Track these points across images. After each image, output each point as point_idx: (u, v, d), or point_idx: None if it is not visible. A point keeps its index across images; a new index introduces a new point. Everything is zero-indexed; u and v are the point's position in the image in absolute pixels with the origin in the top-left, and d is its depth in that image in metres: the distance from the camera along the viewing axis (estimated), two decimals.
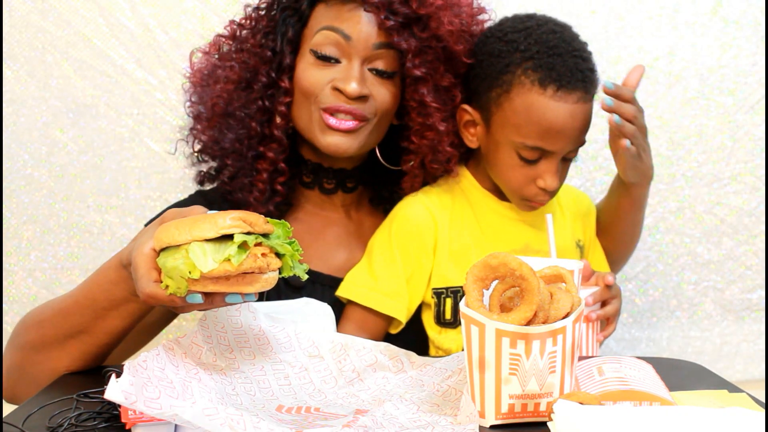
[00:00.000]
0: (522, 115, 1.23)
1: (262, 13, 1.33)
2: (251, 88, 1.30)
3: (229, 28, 1.34)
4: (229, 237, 0.89)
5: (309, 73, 1.27)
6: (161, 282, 0.91)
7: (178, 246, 0.89)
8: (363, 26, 1.25)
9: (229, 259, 0.87)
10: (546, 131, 1.22)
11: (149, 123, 1.70)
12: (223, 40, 1.35)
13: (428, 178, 1.39)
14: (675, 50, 1.76)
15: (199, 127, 1.35)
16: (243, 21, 1.34)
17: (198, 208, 0.97)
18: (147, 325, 1.27)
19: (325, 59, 1.26)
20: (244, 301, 0.94)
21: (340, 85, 1.24)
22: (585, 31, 1.31)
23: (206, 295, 0.92)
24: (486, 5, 1.37)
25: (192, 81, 1.37)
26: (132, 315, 1.06)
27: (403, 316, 1.31)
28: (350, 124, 1.26)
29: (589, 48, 1.29)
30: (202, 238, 0.88)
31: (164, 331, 1.42)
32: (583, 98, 1.24)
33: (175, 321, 1.44)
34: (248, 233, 0.89)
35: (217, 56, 1.34)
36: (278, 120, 1.31)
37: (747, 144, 1.78)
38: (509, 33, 1.27)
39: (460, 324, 1.30)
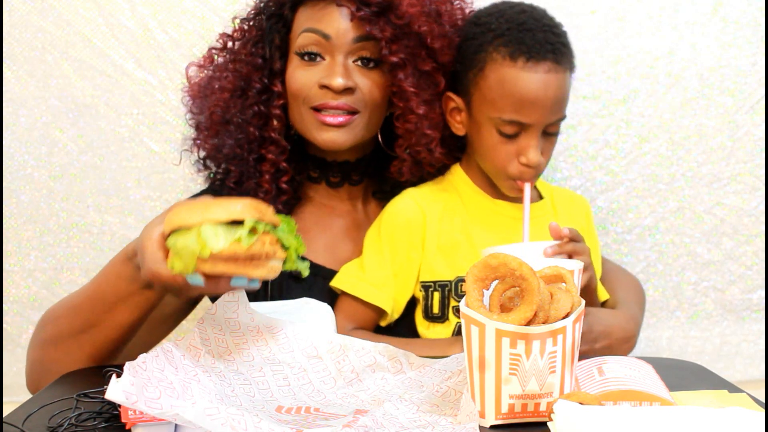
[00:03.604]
0: (496, 90, 1.27)
1: (251, 23, 1.37)
2: (246, 95, 1.35)
3: (221, 41, 1.39)
4: (239, 223, 0.93)
5: (297, 75, 1.32)
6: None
7: (189, 228, 0.93)
8: (340, 23, 1.29)
9: (239, 241, 0.92)
10: (519, 102, 1.25)
11: (149, 123, 1.70)
12: (216, 52, 1.40)
13: (419, 167, 1.39)
14: (675, 50, 1.75)
15: (201, 136, 1.40)
16: (234, 33, 1.39)
17: (206, 198, 1.01)
18: (164, 316, 1.33)
19: (310, 59, 1.30)
20: (248, 287, 0.97)
21: (325, 81, 1.28)
22: (585, 31, 1.31)
23: (212, 278, 0.95)
24: None
25: (190, 94, 1.41)
26: (140, 307, 1.10)
27: (388, 306, 1.32)
28: (342, 119, 1.30)
29: (560, 25, 1.32)
30: (213, 220, 0.93)
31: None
32: (554, 68, 1.26)
33: None
34: (258, 221, 0.94)
35: (212, 68, 1.39)
36: (274, 123, 1.35)
37: (747, 144, 1.78)
38: (482, 17, 1.33)
39: (447, 319, 1.33)
